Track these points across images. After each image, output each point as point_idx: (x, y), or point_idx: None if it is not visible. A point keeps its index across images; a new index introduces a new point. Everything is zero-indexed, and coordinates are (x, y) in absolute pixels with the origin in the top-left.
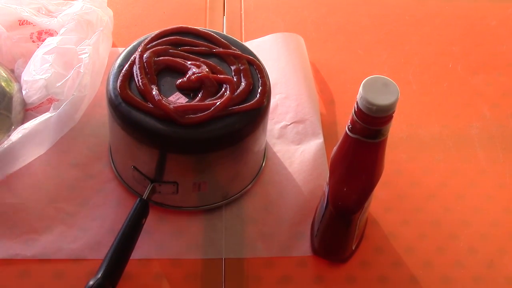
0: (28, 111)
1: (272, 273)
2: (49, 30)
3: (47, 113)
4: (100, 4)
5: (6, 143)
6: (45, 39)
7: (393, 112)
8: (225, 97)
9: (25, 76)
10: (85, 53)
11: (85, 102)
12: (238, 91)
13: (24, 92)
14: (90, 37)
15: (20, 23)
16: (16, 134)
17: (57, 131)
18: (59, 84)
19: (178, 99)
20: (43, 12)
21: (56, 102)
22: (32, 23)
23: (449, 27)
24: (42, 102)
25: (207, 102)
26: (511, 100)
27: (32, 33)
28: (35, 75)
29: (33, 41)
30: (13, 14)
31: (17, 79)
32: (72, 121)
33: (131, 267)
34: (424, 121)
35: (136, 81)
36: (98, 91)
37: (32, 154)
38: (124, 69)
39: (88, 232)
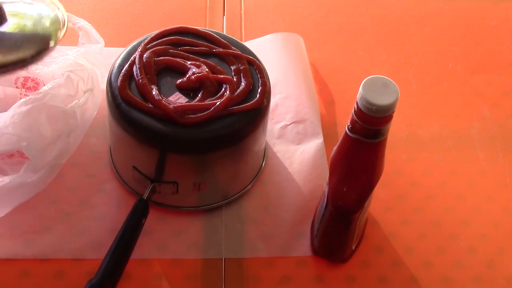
0: None
1: (272, 273)
2: (36, 78)
3: (17, 175)
4: (94, 59)
5: None
6: (30, 87)
7: (393, 112)
8: (225, 97)
9: (1, 123)
10: (74, 118)
11: (58, 169)
12: (238, 91)
13: None
14: (80, 95)
15: None
16: None
17: (21, 196)
18: (39, 147)
19: (178, 99)
20: None
21: (29, 163)
22: None
23: (449, 27)
24: (13, 154)
25: (207, 102)
26: (511, 100)
27: (18, 78)
28: (14, 129)
29: (17, 87)
30: None
31: None
32: (38, 188)
33: (131, 267)
34: (424, 121)
35: (136, 81)
36: (99, 91)
37: None
38: (124, 69)
39: (88, 232)
